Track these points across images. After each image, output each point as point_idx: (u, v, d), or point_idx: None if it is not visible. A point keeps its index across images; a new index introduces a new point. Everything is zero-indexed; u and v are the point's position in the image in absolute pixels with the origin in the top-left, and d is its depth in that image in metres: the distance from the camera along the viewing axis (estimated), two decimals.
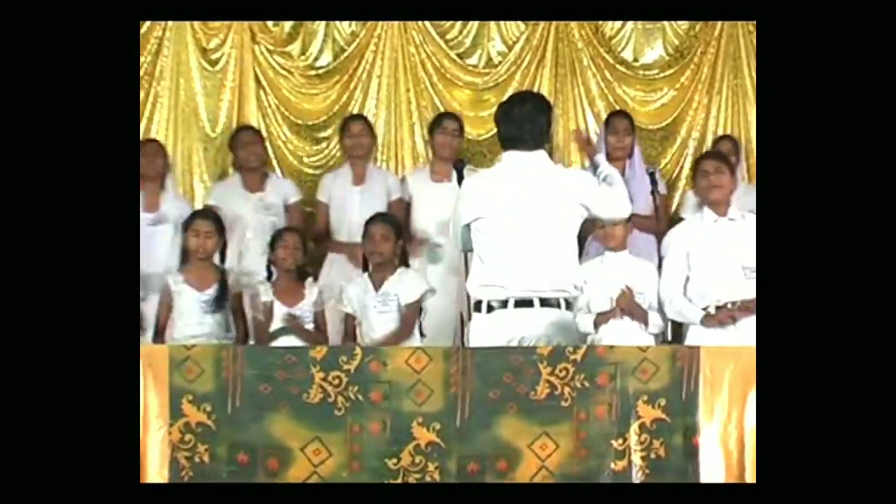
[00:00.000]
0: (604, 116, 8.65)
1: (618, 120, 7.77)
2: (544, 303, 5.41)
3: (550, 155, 5.57)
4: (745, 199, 7.16)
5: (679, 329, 6.53)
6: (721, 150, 7.37)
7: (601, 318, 6.33)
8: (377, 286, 6.68)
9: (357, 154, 7.83)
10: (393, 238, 6.70)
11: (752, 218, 6.10)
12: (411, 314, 6.65)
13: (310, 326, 6.71)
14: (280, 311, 6.69)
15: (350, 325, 6.75)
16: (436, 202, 7.45)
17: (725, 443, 4.75)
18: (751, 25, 8.64)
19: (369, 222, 6.79)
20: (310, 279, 6.87)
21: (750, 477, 4.69)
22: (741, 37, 8.73)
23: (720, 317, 6.03)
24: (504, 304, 5.42)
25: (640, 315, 6.33)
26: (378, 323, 6.64)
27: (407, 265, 6.86)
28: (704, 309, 6.12)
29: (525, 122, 5.45)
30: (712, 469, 4.71)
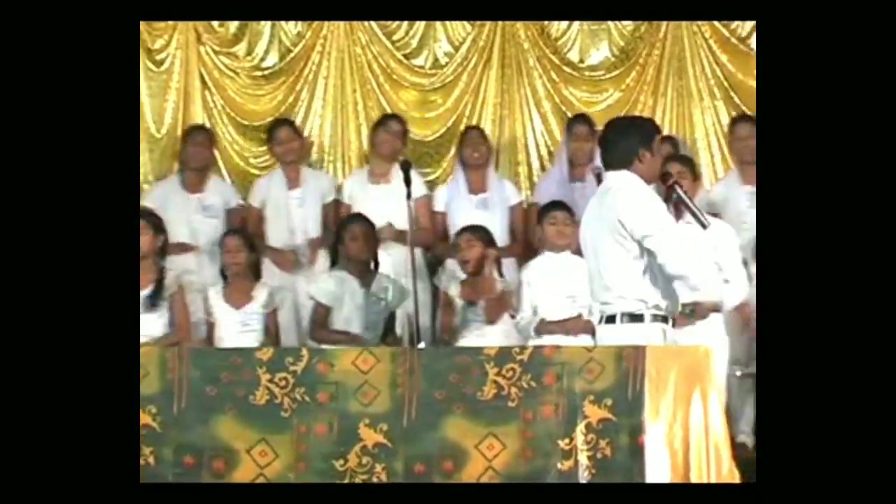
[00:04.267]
0: (550, 118, 8.70)
1: (578, 125, 7.80)
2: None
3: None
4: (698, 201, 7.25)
5: None
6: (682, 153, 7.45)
7: (544, 328, 6.37)
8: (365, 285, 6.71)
9: (289, 160, 7.80)
10: (371, 238, 6.77)
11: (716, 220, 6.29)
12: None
13: (258, 328, 6.70)
14: (229, 313, 6.67)
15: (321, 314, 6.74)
16: (373, 203, 7.45)
17: (671, 442, 4.77)
18: (695, 26, 8.69)
19: (347, 222, 6.85)
20: (261, 281, 6.86)
21: (695, 477, 4.72)
22: (686, 38, 8.76)
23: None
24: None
25: (590, 330, 6.41)
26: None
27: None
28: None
29: (608, 145, 5.49)
30: (657, 468, 4.73)
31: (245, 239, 6.91)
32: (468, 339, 6.65)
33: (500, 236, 7.46)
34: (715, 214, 6.68)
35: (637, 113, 8.71)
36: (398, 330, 6.84)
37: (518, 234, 7.73)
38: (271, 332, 6.79)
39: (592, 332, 6.41)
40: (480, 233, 6.85)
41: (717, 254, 5.93)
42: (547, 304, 6.62)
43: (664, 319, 5.23)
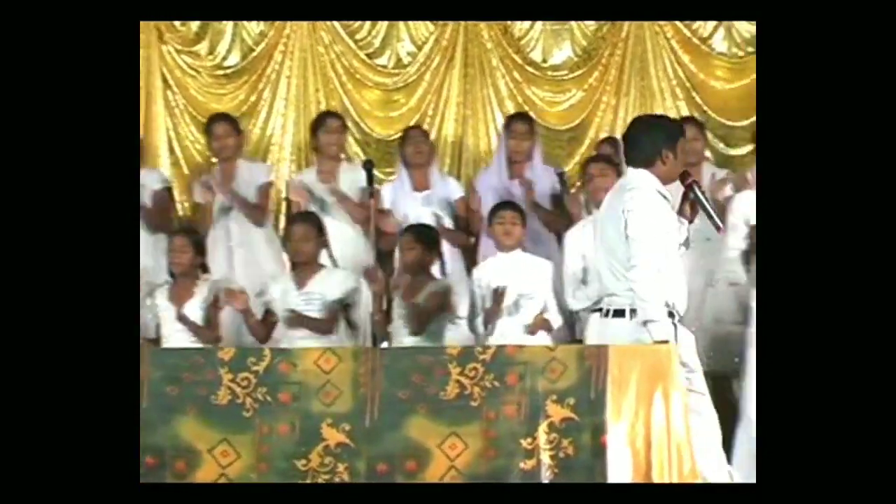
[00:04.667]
0: None
1: (517, 123, 7.80)
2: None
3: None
4: None
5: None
6: (604, 152, 7.45)
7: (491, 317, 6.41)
8: (300, 285, 6.65)
9: (224, 156, 7.76)
10: (314, 237, 6.68)
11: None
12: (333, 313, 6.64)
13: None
14: (171, 312, 6.66)
15: (269, 323, 6.72)
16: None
17: (633, 441, 4.78)
18: (657, 26, 8.72)
19: (291, 222, 6.80)
20: (204, 276, 6.84)
21: (657, 476, 4.73)
22: (648, 38, 8.78)
23: None
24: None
25: (547, 327, 6.41)
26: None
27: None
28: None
29: (632, 141, 5.52)
30: (619, 468, 4.74)
31: (190, 239, 6.90)
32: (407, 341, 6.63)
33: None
34: None
35: (599, 113, 8.76)
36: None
37: (462, 226, 7.72)
38: (213, 325, 6.76)
39: (550, 330, 6.45)
40: (423, 234, 6.81)
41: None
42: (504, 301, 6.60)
43: (670, 315, 5.24)
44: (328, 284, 6.66)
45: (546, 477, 4.74)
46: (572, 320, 6.82)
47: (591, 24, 8.82)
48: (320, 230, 6.78)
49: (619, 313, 5.32)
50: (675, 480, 4.73)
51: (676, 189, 5.53)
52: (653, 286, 5.14)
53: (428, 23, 8.83)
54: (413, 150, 7.75)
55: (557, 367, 4.84)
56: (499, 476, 4.75)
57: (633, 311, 5.22)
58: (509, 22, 8.78)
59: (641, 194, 5.25)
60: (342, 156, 7.93)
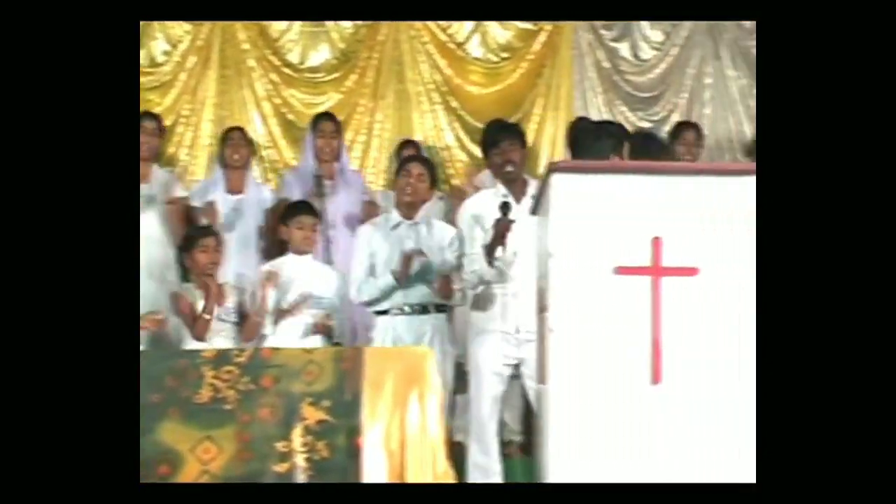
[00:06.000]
0: (270, 119, 8.66)
1: (324, 122, 7.80)
2: None
3: None
4: (435, 207, 7.37)
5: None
6: (423, 155, 7.56)
7: (282, 315, 6.35)
8: None
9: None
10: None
11: (440, 224, 6.55)
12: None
13: None
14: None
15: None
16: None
17: (388, 443, 4.81)
18: (413, 30, 8.80)
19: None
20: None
21: (411, 477, 4.77)
22: (405, 42, 8.85)
23: None
24: None
25: (327, 332, 6.43)
26: None
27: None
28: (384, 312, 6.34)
29: (579, 146, 5.62)
30: (374, 469, 4.76)
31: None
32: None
33: (253, 238, 7.57)
34: None
35: (357, 115, 8.78)
36: None
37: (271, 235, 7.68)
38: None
39: (330, 334, 6.43)
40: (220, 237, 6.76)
41: None
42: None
43: None
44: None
45: (301, 479, 4.73)
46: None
47: (348, 27, 8.84)
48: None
49: None
50: (429, 480, 4.78)
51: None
52: None
53: (183, 22, 8.71)
54: (231, 152, 7.73)
55: (314, 370, 4.84)
56: (253, 479, 4.72)
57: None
58: (266, 23, 8.74)
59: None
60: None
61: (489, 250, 5.71)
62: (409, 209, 6.47)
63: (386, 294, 6.27)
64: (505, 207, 5.65)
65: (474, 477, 5.87)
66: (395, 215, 6.48)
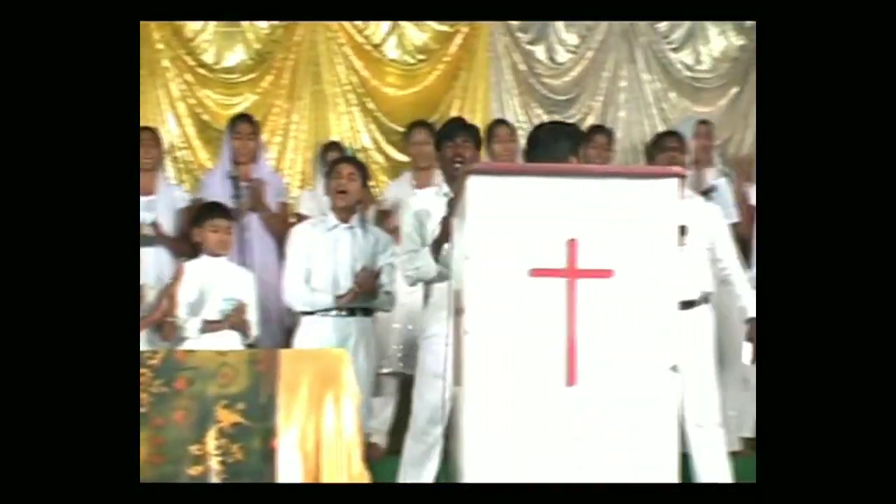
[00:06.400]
0: (185, 119, 8.60)
1: (241, 123, 7.74)
2: None
3: None
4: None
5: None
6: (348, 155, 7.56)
7: (209, 327, 6.29)
8: None
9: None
10: None
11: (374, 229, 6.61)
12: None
13: None
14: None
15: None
16: None
17: (303, 445, 4.79)
18: (330, 31, 8.79)
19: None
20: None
21: (326, 478, 4.75)
22: (321, 43, 8.84)
23: None
24: None
25: (247, 328, 6.37)
26: None
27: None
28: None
29: (538, 148, 5.50)
30: (289, 471, 4.74)
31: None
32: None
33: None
34: None
35: (272, 116, 8.75)
36: None
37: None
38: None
39: (246, 332, 6.38)
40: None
41: None
42: (206, 305, 6.50)
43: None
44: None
45: (215, 482, 4.70)
46: None
47: (264, 27, 8.80)
48: None
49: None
50: (344, 481, 4.77)
51: None
52: None
53: None
54: (142, 154, 7.60)
55: (229, 372, 4.81)
56: (167, 482, 4.68)
57: None
58: (180, 22, 8.67)
59: None
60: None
61: (436, 247, 5.68)
62: (343, 212, 6.46)
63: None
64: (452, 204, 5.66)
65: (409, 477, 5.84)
66: (332, 218, 6.47)
